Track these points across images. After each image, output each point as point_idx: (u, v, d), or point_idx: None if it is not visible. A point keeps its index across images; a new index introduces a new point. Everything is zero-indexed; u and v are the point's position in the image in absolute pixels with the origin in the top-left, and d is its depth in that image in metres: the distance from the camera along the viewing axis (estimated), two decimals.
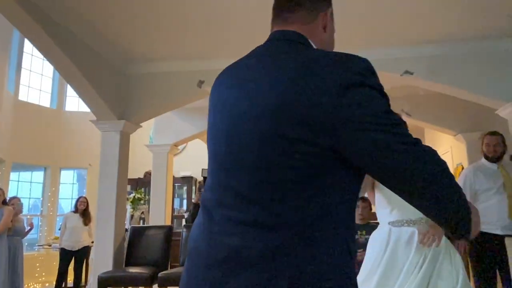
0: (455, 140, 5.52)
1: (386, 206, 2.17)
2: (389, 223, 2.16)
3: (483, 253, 3.42)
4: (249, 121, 0.89)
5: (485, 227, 3.44)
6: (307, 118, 0.83)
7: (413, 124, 5.57)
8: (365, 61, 0.88)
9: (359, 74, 0.85)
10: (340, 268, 0.86)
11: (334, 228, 0.87)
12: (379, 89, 0.87)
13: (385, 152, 0.82)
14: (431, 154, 0.84)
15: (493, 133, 3.55)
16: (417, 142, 0.84)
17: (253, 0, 3.29)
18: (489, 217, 3.42)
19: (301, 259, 0.83)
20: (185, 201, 8.27)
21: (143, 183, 7.71)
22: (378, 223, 4.08)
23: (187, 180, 8.01)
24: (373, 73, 0.88)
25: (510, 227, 3.37)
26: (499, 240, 3.29)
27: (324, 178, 0.86)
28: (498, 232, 3.35)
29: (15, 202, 5.76)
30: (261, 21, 3.64)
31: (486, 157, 3.57)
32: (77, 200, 6.32)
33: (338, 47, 3.93)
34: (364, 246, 3.76)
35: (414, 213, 2.07)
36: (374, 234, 2.32)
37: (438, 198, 0.85)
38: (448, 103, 5.16)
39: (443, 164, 0.84)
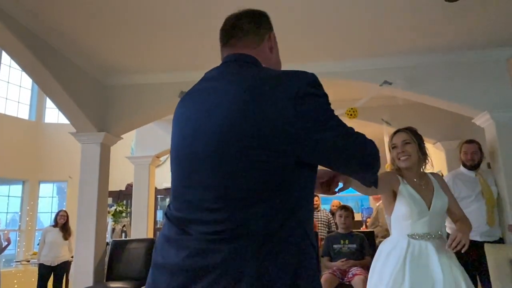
0: (434, 148, 5.61)
1: (408, 218, 2.12)
2: (408, 235, 2.10)
3: (463, 260, 3.46)
4: (213, 138, 0.98)
5: None
6: (270, 129, 0.94)
7: (393, 133, 5.66)
8: (313, 75, 1.03)
9: (311, 86, 0.99)
10: (305, 261, 0.97)
11: (298, 227, 0.98)
12: (326, 97, 1.02)
13: (339, 147, 1.00)
14: (363, 137, 1.05)
15: (470, 141, 3.63)
16: (355, 132, 1.05)
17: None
18: None
19: (268, 260, 0.92)
20: None
21: (124, 196, 7.60)
22: (361, 232, 4.11)
23: (170, 192, 7.93)
24: (320, 84, 1.03)
25: (488, 233, 3.44)
26: (478, 246, 3.35)
27: (287, 182, 0.97)
28: (477, 238, 3.41)
29: None
30: None
31: (464, 165, 3.64)
32: (57, 214, 6.17)
33: (319, 58, 4.01)
34: (347, 255, 3.79)
35: (435, 227, 2.11)
36: (386, 246, 2.18)
37: (367, 164, 1.06)
38: (426, 112, 5.26)
39: (369, 142, 1.06)
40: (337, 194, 1.45)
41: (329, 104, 1.02)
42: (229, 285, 0.90)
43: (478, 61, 4.14)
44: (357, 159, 1.03)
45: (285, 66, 4.23)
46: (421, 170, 2.26)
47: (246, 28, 1.18)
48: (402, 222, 2.15)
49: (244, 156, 0.95)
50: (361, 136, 1.05)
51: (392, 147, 2.27)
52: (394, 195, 2.20)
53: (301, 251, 0.97)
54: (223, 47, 1.20)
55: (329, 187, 1.31)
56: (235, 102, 0.98)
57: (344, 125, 1.02)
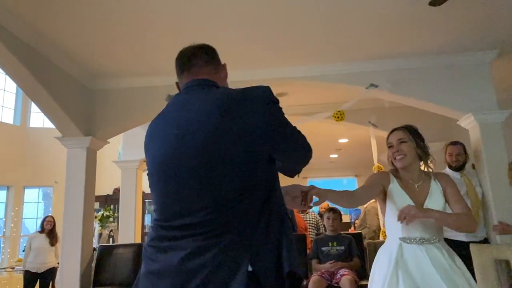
0: None
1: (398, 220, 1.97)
2: (400, 238, 1.99)
3: None
4: (197, 152, 1.13)
5: (451, 234, 3.53)
6: (250, 133, 1.13)
7: (379, 135, 5.70)
8: (269, 87, 1.25)
9: (272, 95, 1.23)
10: (286, 240, 1.15)
11: (277, 211, 1.17)
12: (279, 103, 1.26)
13: (293, 143, 1.28)
14: (303, 136, 1.32)
15: (455, 143, 3.68)
16: (299, 130, 1.30)
17: (218, 20, 3.32)
18: None
19: (258, 248, 1.09)
20: None
21: (112, 200, 7.53)
22: (349, 234, 4.13)
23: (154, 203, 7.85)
24: (273, 94, 1.25)
25: (474, 234, 3.47)
26: (464, 246, 3.39)
27: (263, 177, 1.16)
28: (463, 238, 3.45)
29: None
30: (226, 39, 3.68)
31: (450, 166, 3.69)
32: (43, 220, 6.07)
33: (309, 62, 4.01)
34: (336, 257, 3.81)
35: (430, 231, 1.97)
36: (380, 251, 2.11)
37: (304, 157, 1.37)
38: (412, 115, 5.31)
39: (306, 140, 1.33)
40: (311, 208, 1.58)
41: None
42: (227, 276, 1.04)
43: (462, 64, 4.21)
44: (304, 151, 1.34)
45: (272, 70, 4.24)
46: (422, 169, 2.15)
47: (205, 58, 1.38)
48: (393, 225, 2.02)
49: (229, 163, 1.11)
50: (300, 131, 1.31)
51: (388, 146, 2.18)
52: (386, 196, 2.12)
53: (283, 233, 1.16)
54: (183, 74, 1.37)
55: (305, 202, 1.49)
56: (213, 117, 1.14)
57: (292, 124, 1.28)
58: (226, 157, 1.11)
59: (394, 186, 2.09)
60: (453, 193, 2.05)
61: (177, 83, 1.43)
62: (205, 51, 1.41)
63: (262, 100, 1.19)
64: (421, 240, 1.96)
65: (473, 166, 4.23)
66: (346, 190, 1.99)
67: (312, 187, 1.55)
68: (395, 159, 2.11)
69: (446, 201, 2.06)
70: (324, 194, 1.61)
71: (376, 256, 2.13)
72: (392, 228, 2.07)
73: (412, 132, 2.16)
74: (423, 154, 2.12)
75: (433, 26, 3.62)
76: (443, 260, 1.89)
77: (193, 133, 1.14)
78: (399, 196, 2.05)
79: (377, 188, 2.11)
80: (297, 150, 1.32)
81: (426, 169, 2.16)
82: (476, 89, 4.12)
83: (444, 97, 4.17)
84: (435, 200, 2.03)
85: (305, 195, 1.52)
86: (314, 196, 1.53)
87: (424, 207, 1.98)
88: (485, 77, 4.15)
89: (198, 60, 1.37)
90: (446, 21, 3.53)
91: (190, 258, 1.07)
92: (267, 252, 1.11)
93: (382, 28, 3.64)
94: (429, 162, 2.15)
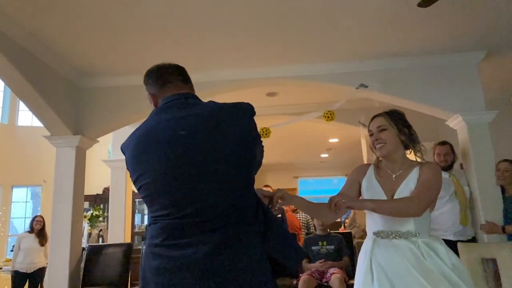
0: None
1: (370, 213, 1.87)
2: (373, 233, 1.86)
3: None
4: (201, 157, 1.25)
5: (439, 233, 3.57)
6: (242, 141, 1.29)
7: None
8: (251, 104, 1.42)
9: (253, 109, 1.39)
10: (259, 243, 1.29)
11: (255, 216, 1.31)
12: None
13: (263, 151, 1.45)
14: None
15: (443, 143, 3.72)
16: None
17: (206, 21, 3.32)
18: (443, 224, 3.56)
19: (258, 234, 1.29)
20: (145, 217, 8.07)
21: (102, 200, 7.46)
22: (339, 233, 4.16)
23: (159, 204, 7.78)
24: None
25: (461, 233, 3.52)
26: (451, 245, 3.42)
27: (252, 178, 1.34)
28: (451, 237, 3.49)
29: None
30: (215, 39, 3.67)
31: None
32: (33, 219, 6.01)
33: (299, 62, 4.02)
34: (325, 256, 3.83)
35: (402, 224, 1.78)
36: (362, 245, 1.98)
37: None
38: None
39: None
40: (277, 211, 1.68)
41: None
42: (249, 262, 1.22)
43: (451, 65, 4.25)
44: (262, 157, 1.46)
45: (262, 70, 4.24)
46: (407, 158, 1.94)
47: (186, 77, 1.53)
48: (370, 219, 1.90)
49: (233, 162, 1.26)
50: None
51: (370, 134, 1.98)
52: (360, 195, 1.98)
53: (267, 218, 1.34)
54: (166, 86, 1.48)
55: (271, 205, 1.57)
56: (214, 121, 1.29)
57: None
58: (230, 156, 1.26)
59: (368, 178, 1.94)
60: (421, 181, 1.80)
61: (152, 94, 1.51)
62: (184, 71, 1.57)
63: (250, 113, 1.37)
64: (394, 235, 1.78)
65: (461, 166, 4.28)
66: (323, 203, 1.85)
67: (278, 191, 1.62)
68: (375, 148, 1.93)
69: None
70: (289, 199, 1.67)
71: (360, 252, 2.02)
72: (369, 223, 1.92)
73: (394, 117, 1.96)
74: (409, 141, 1.91)
75: (422, 27, 3.65)
76: (413, 257, 1.69)
77: (199, 134, 1.26)
78: (371, 188, 1.90)
79: (354, 188, 1.98)
80: (262, 156, 1.48)
81: (416, 159, 1.94)
82: (464, 89, 4.17)
83: (433, 97, 4.21)
84: (406, 188, 1.81)
85: (271, 199, 1.58)
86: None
87: (395, 197, 1.81)
88: (473, 77, 4.20)
89: (181, 77, 1.52)
90: (434, 22, 3.56)
91: (214, 252, 1.20)
92: (271, 239, 1.31)
93: (372, 28, 3.67)
94: (418, 150, 1.93)
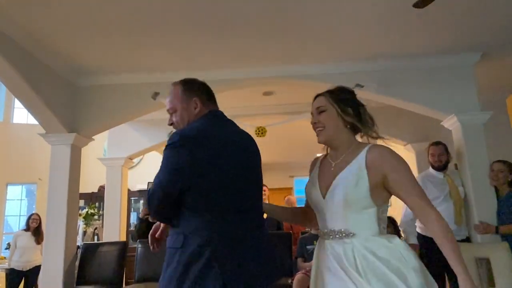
0: (404, 150, 5.75)
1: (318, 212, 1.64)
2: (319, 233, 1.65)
3: (431, 258, 3.56)
4: (257, 170, 1.73)
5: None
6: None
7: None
8: None
9: None
10: None
11: None
12: None
13: None
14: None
15: (437, 144, 3.74)
16: None
17: (201, 19, 3.31)
18: None
19: None
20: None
21: (97, 198, 7.44)
22: None
23: (144, 194, 7.80)
24: None
25: (456, 232, 3.54)
26: None
27: None
28: None
29: None
30: (210, 37, 3.66)
31: (433, 166, 3.75)
32: (29, 217, 6.00)
33: (296, 61, 4.04)
34: None
35: (337, 223, 1.51)
36: None
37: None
38: (398, 115, 5.38)
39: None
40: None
41: None
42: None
43: (446, 66, 4.27)
44: None
45: (258, 70, 4.23)
46: (355, 142, 1.61)
47: None
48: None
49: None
50: None
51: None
52: None
53: None
54: (211, 101, 1.78)
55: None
56: (255, 144, 1.75)
57: None
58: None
59: (314, 171, 1.69)
60: (403, 187, 1.48)
61: (200, 101, 1.73)
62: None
63: None
64: (329, 234, 1.52)
65: (456, 167, 4.30)
66: (294, 208, 1.91)
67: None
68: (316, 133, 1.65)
69: (386, 187, 1.50)
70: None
71: None
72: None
73: (336, 96, 1.64)
74: (357, 122, 1.59)
75: (417, 28, 3.67)
76: (334, 260, 1.46)
77: (253, 155, 1.71)
78: (310, 181, 1.67)
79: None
80: None
81: (368, 141, 1.61)
82: (459, 90, 4.19)
83: (428, 98, 4.23)
84: (344, 179, 1.51)
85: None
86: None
87: (330, 189, 1.53)
88: (468, 78, 4.22)
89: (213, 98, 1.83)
90: (430, 22, 3.58)
91: (268, 240, 1.64)
92: None
93: (368, 29, 3.68)
94: (370, 132, 1.62)
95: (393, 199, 1.56)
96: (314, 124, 1.64)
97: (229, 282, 1.41)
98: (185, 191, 1.49)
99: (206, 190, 1.49)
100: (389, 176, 1.48)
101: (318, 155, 1.78)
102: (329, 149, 1.68)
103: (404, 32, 3.74)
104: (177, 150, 1.49)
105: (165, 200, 1.50)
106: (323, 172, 1.64)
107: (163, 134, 5.86)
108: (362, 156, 1.52)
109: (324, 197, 1.54)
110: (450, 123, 4.21)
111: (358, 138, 1.65)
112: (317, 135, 1.63)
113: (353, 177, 1.48)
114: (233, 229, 1.51)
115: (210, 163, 1.50)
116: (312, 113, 1.67)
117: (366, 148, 1.54)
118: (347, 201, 1.47)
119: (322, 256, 1.53)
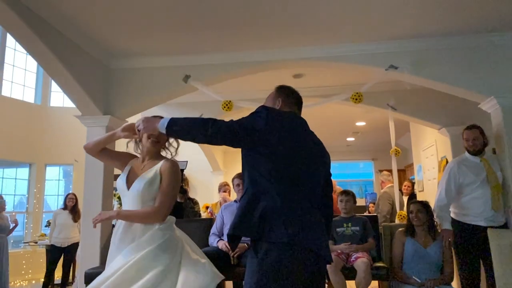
0: (439, 133, 5.59)
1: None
2: None
3: (467, 245, 3.49)
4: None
5: (469, 219, 3.51)
6: None
7: (398, 118, 5.63)
8: None
9: None
10: None
11: None
12: None
13: None
14: None
15: (471, 127, 3.60)
16: None
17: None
18: (474, 209, 3.48)
19: None
20: None
21: None
22: (364, 216, 4.14)
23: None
24: None
25: (493, 218, 3.44)
26: (482, 231, 3.36)
27: None
28: (482, 223, 3.42)
29: None
30: (240, 18, 3.64)
31: (468, 151, 3.63)
32: (66, 197, 6.29)
33: (326, 42, 3.96)
34: (350, 238, 3.82)
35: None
36: None
37: None
38: (433, 97, 5.22)
39: None
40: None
41: None
42: None
43: (485, 45, 4.08)
44: None
45: (289, 51, 4.16)
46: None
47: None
48: None
49: None
50: None
51: None
52: None
53: None
54: (299, 108, 2.21)
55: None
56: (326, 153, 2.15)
57: None
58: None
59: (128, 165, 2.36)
60: (161, 188, 2.16)
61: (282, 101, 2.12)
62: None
63: None
64: None
65: (494, 151, 4.15)
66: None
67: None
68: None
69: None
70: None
71: None
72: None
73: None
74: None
75: (456, 6, 3.51)
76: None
77: (324, 152, 2.10)
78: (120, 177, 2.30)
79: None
80: None
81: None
82: (499, 71, 4.00)
83: (466, 79, 4.07)
84: (140, 183, 2.16)
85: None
86: None
87: (131, 187, 2.18)
88: (509, 58, 4.02)
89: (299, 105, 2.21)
90: (469, 1, 3.41)
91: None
92: None
93: (403, 7, 3.55)
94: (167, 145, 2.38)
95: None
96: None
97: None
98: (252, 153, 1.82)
99: (271, 152, 1.78)
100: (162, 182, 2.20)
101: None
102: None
103: (441, 10, 3.59)
104: (258, 114, 1.82)
105: (225, 133, 1.75)
106: (133, 171, 2.32)
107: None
108: (159, 165, 2.24)
109: (128, 189, 2.25)
110: (489, 105, 4.04)
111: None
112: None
113: (148, 180, 2.19)
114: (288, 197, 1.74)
115: (283, 134, 1.81)
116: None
117: (163, 161, 2.28)
118: (139, 195, 2.20)
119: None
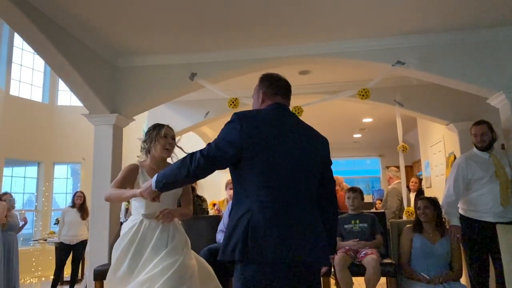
0: (447, 129, 5.55)
1: (141, 201, 2.51)
2: (142, 215, 2.53)
3: (475, 241, 3.47)
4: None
5: (478, 215, 3.48)
6: None
7: (405, 114, 5.59)
8: None
9: None
10: None
11: None
12: None
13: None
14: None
15: (479, 123, 3.57)
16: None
17: None
18: (483, 205, 3.46)
19: None
20: None
21: None
22: (371, 213, 4.12)
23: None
24: None
25: (501, 214, 3.42)
26: (491, 227, 3.33)
27: None
28: (491, 219, 3.40)
29: (7, 198, 5.75)
30: (246, 16, 3.63)
31: (476, 147, 3.60)
32: (74, 195, 6.33)
33: (333, 37, 3.95)
34: (359, 234, 3.82)
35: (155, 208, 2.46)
36: (126, 224, 2.61)
37: None
38: (440, 93, 5.18)
39: None
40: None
41: None
42: None
43: (493, 40, 4.04)
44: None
45: (295, 47, 4.15)
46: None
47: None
48: (137, 205, 2.63)
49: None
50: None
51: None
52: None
53: None
54: (288, 97, 2.04)
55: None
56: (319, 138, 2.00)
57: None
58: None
59: (141, 174, 2.63)
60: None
61: (263, 93, 2.00)
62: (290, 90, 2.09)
63: None
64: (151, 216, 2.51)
65: (503, 146, 4.11)
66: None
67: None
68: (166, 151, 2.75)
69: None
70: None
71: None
72: (137, 208, 2.60)
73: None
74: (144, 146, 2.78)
75: (462, 0, 3.48)
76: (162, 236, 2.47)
77: (314, 140, 1.96)
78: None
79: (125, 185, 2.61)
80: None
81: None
82: (507, 66, 3.96)
83: (474, 74, 4.03)
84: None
85: None
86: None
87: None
88: None
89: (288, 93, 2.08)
90: None
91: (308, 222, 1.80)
92: None
93: (410, 2, 3.52)
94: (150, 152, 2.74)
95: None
96: (170, 144, 2.80)
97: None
98: (236, 163, 1.74)
99: (252, 165, 1.72)
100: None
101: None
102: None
103: (449, 4, 3.56)
104: (231, 125, 1.76)
105: (205, 165, 1.72)
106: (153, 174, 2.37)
107: (200, 115, 5.95)
108: None
109: None
110: (498, 100, 4.00)
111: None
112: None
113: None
114: (271, 203, 1.69)
115: (260, 142, 1.73)
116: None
117: None
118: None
119: (150, 231, 2.49)
